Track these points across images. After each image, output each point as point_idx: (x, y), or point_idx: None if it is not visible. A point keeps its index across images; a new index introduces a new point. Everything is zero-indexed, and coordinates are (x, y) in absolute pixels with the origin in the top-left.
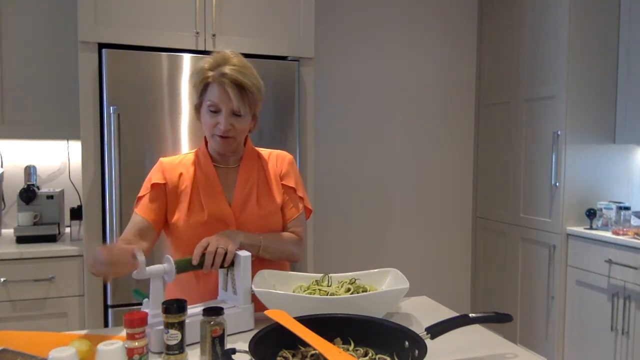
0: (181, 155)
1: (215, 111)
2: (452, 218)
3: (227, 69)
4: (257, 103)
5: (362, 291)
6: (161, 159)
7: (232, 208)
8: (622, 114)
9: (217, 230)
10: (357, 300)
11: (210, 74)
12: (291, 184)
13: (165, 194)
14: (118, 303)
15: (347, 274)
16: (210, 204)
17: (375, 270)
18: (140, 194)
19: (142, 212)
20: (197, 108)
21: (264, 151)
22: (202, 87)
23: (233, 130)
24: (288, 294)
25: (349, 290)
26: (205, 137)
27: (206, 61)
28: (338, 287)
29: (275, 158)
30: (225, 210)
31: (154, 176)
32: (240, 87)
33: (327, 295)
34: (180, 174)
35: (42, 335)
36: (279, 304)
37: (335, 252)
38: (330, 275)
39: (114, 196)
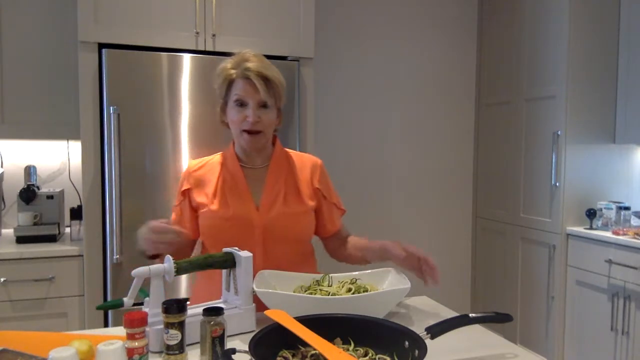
0: (208, 157)
1: (242, 105)
2: (452, 218)
3: (250, 64)
4: (281, 96)
5: (364, 291)
6: (189, 162)
7: (259, 210)
8: (622, 114)
9: (241, 228)
10: (358, 300)
11: (233, 71)
12: (328, 191)
13: (193, 199)
14: None
15: (347, 273)
16: (236, 205)
17: (376, 270)
18: (176, 203)
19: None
20: (222, 109)
21: (294, 153)
22: (226, 85)
23: (261, 124)
24: (289, 294)
25: (350, 290)
26: (233, 140)
27: (227, 62)
28: (339, 287)
29: (309, 164)
30: (252, 212)
31: (182, 183)
32: (265, 79)
33: (327, 295)
34: (206, 175)
35: (42, 335)
36: (280, 304)
37: None
38: (330, 275)
39: (114, 196)
